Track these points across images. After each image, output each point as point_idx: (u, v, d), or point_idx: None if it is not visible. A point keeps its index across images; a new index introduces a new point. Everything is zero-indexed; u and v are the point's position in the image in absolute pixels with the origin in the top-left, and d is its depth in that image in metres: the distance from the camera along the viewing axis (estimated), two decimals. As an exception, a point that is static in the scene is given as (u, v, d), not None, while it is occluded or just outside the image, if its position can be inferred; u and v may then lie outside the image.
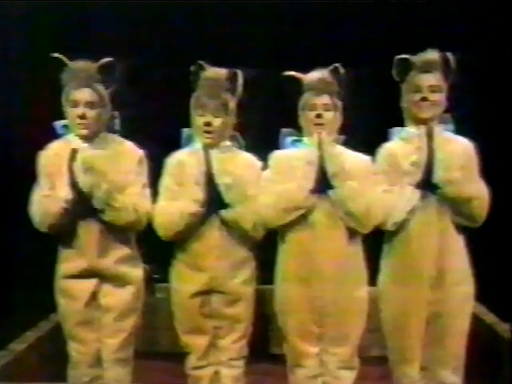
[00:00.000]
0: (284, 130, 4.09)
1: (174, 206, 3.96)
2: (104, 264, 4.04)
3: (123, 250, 4.08)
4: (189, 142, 4.07)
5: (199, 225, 3.97)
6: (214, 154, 3.99)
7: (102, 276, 4.07)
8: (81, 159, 3.94)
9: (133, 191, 4.00)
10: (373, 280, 4.15)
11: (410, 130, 4.08)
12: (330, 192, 3.92)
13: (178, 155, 4.07)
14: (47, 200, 3.96)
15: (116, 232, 4.03)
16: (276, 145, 4.11)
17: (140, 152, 4.09)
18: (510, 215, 5.08)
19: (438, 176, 3.97)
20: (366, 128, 4.65)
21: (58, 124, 4.05)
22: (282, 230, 4.02)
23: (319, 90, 3.95)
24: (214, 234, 3.99)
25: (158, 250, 4.14)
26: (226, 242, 4.00)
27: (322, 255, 3.95)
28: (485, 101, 5.35)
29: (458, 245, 4.07)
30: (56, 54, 3.98)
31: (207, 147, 4.00)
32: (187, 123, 4.07)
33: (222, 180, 3.95)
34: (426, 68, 4.02)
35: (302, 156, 3.98)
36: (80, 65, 3.98)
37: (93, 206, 3.94)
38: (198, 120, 3.97)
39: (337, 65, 4.00)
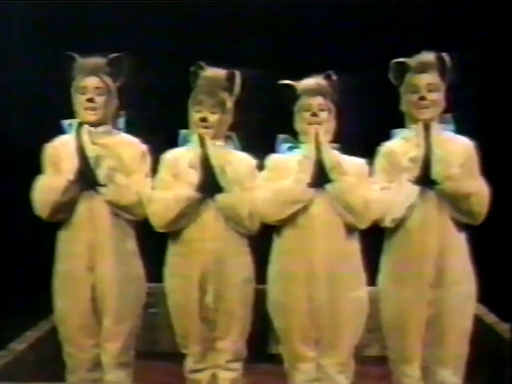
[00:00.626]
0: (281, 136, 4.12)
1: (168, 193, 3.98)
2: (102, 239, 4.04)
3: (123, 246, 4.09)
4: (186, 143, 4.09)
5: (194, 213, 3.96)
6: (210, 142, 4.00)
7: (100, 272, 4.06)
8: (88, 131, 4.03)
9: (136, 178, 4.07)
10: (372, 280, 4.16)
11: (411, 129, 4.09)
12: (328, 186, 3.93)
13: (175, 151, 4.10)
14: (52, 178, 4.03)
15: (116, 225, 4.06)
16: (271, 146, 4.13)
17: (143, 146, 4.16)
18: (511, 215, 5.08)
19: (437, 171, 3.97)
20: (362, 135, 4.67)
21: (66, 122, 4.12)
22: (279, 226, 4.02)
23: (314, 92, 4.01)
24: (209, 220, 3.97)
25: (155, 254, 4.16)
26: (222, 229, 3.98)
27: (320, 251, 3.95)
28: (484, 100, 5.35)
29: (458, 243, 4.06)
30: (68, 52, 4.11)
31: (204, 136, 4.01)
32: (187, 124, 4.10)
33: (217, 162, 3.96)
34: (422, 68, 4.04)
35: (299, 155, 4.01)
36: (89, 59, 4.10)
37: (96, 180, 3.99)
38: (195, 116, 4.01)
39: (329, 72, 4.06)
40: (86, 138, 4.03)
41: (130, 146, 4.14)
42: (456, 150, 4.04)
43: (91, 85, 4.05)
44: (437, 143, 4.00)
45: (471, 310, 4.12)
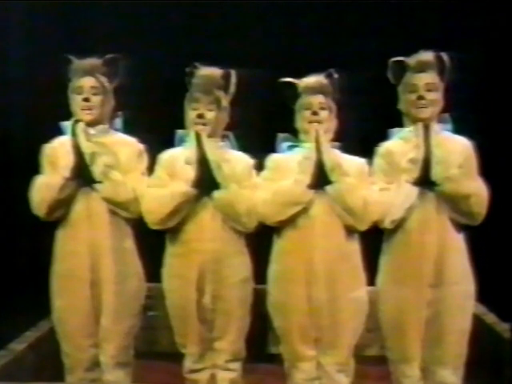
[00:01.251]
0: (281, 135, 4.11)
1: (163, 189, 3.98)
2: (100, 237, 4.05)
3: (121, 246, 4.10)
4: (182, 143, 4.09)
5: (191, 212, 3.96)
6: (207, 139, 3.99)
7: (99, 272, 4.06)
8: (84, 129, 4.04)
9: (132, 176, 4.08)
10: (372, 280, 4.15)
11: (409, 129, 4.09)
12: (328, 187, 3.93)
13: (171, 151, 4.10)
14: (48, 177, 4.04)
15: (114, 224, 4.07)
16: (270, 145, 4.12)
17: (140, 146, 4.18)
18: (510, 215, 5.08)
19: (436, 173, 3.97)
20: (361, 134, 4.66)
21: (65, 124, 4.12)
22: (279, 227, 4.02)
23: (314, 90, 4.00)
24: (206, 220, 3.97)
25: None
26: (219, 229, 3.98)
27: (319, 252, 3.95)
28: (482, 100, 5.34)
29: (457, 243, 4.07)
30: (65, 55, 4.14)
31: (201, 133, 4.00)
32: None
33: (214, 158, 3.95)
34: (421, 68, 4.04)
35: (300, 155, 4.00)
36: (86, 60, 4.12)
37: (92, 177, 4.00)
38: (192, 113, 4.01)
39: (331, 70, 4.06)
40: (81, 134, 4.03)
41: (126, 145, 4.15)
42: (455, 150, 4.04)
43: (87, 85, 4.07)
44: (436, 144, 4.00)
45: (470, 309, 4.12)
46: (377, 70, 4.22)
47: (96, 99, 4.08)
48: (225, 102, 4.04)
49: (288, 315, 4.03)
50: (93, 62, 4.12)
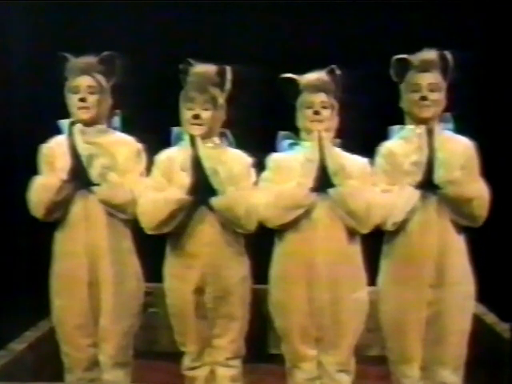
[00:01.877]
0: (281, 133, 4.09)
1: (159, 195, 3.94)
2: (98, 238, 4.05)
3: (120, 246, 4.10)
4: (179, 140, 4.07)
5: (189, 218, 3.94)
6: (202, 143, 3.97)
7: (97, 272, 4.06)
8: (81, 130, 4.02)
9: (130, 177, 4.06)
10: (373, 280, 4.15)
11: (410, 128, 4.08)
12: (331, 190, 3.92)
13: (168, 152, 4.07)
14: (45, 178, 4.03)
15: (112, 224, 4.06)
16: (268, 143, 4.10)
17: (138, 144, 4.15)
18: (510, 215, 5.07)
19: (439, 176, 3.96)
20: (363, 131, 4.64)
21: (62, 122, 4.11)
22: (280, 230, 4.01)
23: (316, 88, 3.97)
24: (205, 223, 3.96)
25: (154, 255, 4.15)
26: (218, 232, 3.97)
27: (321, 255, 3.94)
28: (484, 99, 5.34)
29: (457, 244, 4.07)
30: (61, 53, 4.11)
31: (195, 137, 3.98)
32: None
33: (209, 164, 3.92)
34: (425, 67, 4.02)
35: (302, 155, 3.98)
36: (81, 59, 4.09)
37: (89, 179, 3.98)
38: (187, 113, 3.97)
39: (333, 66, 4.02)
40: (78, 136, 4.02)
41: (124, 145, 4.13)
42: (457, 152, 4.04)
43: (83, 84, 4.05)
44: (439, 146, 3.99)
45: (470, 310, 4.13)
46: (378, 67, 4.20)
47: (93, 98, 4.06)
48: (221, 99, 4.00)
49: (289, 315, 4.03)
50: (89, 60, 4.10)
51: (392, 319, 4.11)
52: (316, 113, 3.97)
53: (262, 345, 4.96)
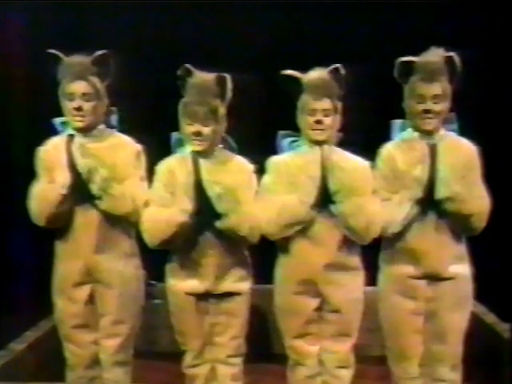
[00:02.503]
0: (281, 133, 4.03)
1: (162, 213, 3.88)
2: (101, 260, 4.04)
3: (122, 247, 4.08)
4: (179, 146, 4.00)
5: (192, 235, 3.91)
6: (204, 163, 3.92)
7: (99, 274, 4.07)
8: (78, 144, 3.96)
9: (130, 182, 3.99)
10: (373, 280, 4.16)
11: (413, 134, 4.02)
12: (332, 207, 3.89)
13: (168, 163, 4.00)
14: (46, 189, 3.96)
15: (114, 226, 4.03)
16: (267, 145, 4.06)
17: (138, 146, 4.09)
18: (510, 215, 5.08)
19: (440, 193, 3.90)
20: (366, 127, 4.63)
21: (57, 121, 4.07)
22: (281, 241, 4.00)
23: (319, 93, 3.87)
24: (208, 244, 3.94)
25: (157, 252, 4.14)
26: (222, 250, 3.96)
27: (322, 262, 3.95)
28: (487, 100, 5.34)
29: (455, 248, 4.05)
30: (52, 50, 3.99)
31: (197, 155, 3.93)
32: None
33: (212, 190, 3.88)
34: (430, 76, 3.89)
35: (302, 163, 3.93)
36: (75, 59, 3.99)
37: (90, 192, 3.95)
38: (187, 129, 3.89)
39: (337, 66, 3.91)
40: (76, 152, 3.95)
41: (123, 149, 4.05)
42: (458, 163, 3.95)
43: (78, 90, 3.95)
44: (442, 161, 3.92)
45: (469, 307, 4.11)
46: (382, 66, 4.10)
47: (88, 105, 3.96)
48: (221, 110, 3.91)
49: (291, 315, 4.03)
50: (83, 62, 3.97)
51: (391, 317, 4.10)
52: (318, 122, 3.89)
53: (262, 345, 4.95)
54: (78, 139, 3.99)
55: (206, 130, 3.88)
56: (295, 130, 4.02)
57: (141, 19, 5.59)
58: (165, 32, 5.57)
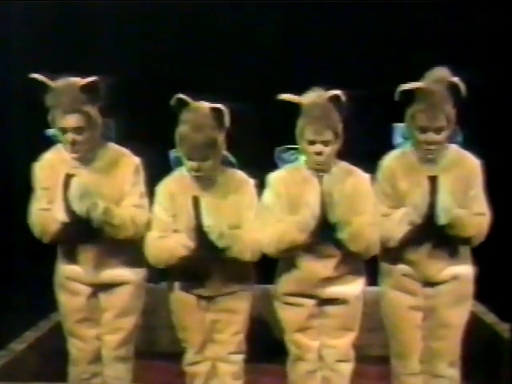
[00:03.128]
0: (278, 149, 3.99)
1: (164, 243, 3.89)
2: (102, 275, 4.06)
3: (122, 257, 4.08)
4: (178, 165, 3.97)
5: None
6: (204, 201, 3.89)
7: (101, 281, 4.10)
8: (75, 185, 3.88)
9: (130, 203, 3.97)
10: (373, 280, 4.16)
11: (413, 155, 3.98)
12: (331, 232, 3.88)
13: (168, 185, 3.97)
14: (46, 216, 3.94)
15: (115, 241, 4.01)
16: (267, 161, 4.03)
17: (136, 160, 4.04)
18: (510, 215, 5.08)
19: (440, 220, 3.88)
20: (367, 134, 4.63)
21: (50, 131, 4.00)
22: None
23: (320, 124, 3.78)
24: (211, 256, 3.93)
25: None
26: (224, 261, 3.95)
27: (322, 275, 3.96)
28: (489, 112, 5.34)
29: (453, 254, 4.05)
30: (37, 76, 3.86)
31: (197, 190, 3.91)
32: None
33: (214, 230, 3.84)
34: (433, 108, 3.80)
35: (301, 190, 3.90)
36: (63, 87, 3.86)
37: (92, 225, 3.91)
38: (187, 163, 3.86)
39: (338, 93, 3.81)
40: (75, 193, 3.87)
41: (120, 165, 4.00)
42: (461, 175, 3.94)
43: (70, 126, 3.85)
44: (442, 188, 3.88)
45: (468, 303, 4.11)
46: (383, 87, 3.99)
47: (82, 137, 3.88)
48: (220, 139, 3.84)
49: (290, 309, 4.04)
50: (71, 91, 3.82)
51: (392, 314, 4.11)
52: (318, 154, 3.85)
53: (262, 345, 4.95)
54: (74, 178, 3.89)
55: (206, 165, 3.84)
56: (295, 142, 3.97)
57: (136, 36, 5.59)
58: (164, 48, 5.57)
